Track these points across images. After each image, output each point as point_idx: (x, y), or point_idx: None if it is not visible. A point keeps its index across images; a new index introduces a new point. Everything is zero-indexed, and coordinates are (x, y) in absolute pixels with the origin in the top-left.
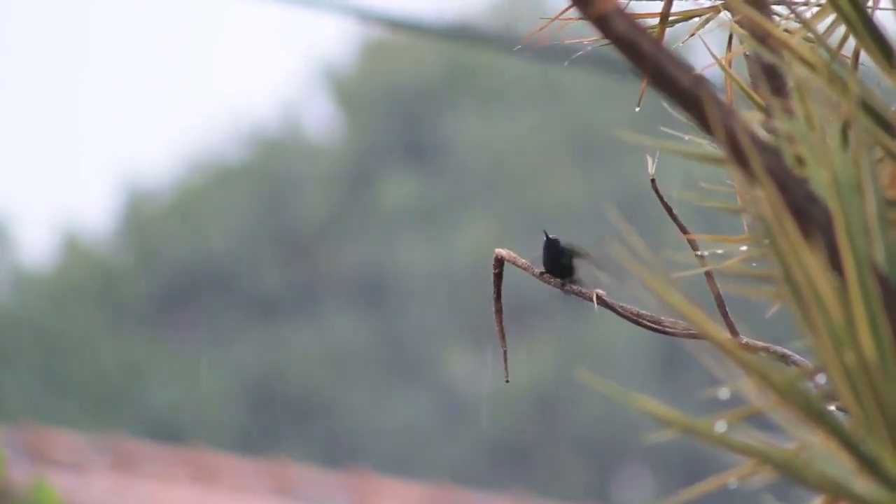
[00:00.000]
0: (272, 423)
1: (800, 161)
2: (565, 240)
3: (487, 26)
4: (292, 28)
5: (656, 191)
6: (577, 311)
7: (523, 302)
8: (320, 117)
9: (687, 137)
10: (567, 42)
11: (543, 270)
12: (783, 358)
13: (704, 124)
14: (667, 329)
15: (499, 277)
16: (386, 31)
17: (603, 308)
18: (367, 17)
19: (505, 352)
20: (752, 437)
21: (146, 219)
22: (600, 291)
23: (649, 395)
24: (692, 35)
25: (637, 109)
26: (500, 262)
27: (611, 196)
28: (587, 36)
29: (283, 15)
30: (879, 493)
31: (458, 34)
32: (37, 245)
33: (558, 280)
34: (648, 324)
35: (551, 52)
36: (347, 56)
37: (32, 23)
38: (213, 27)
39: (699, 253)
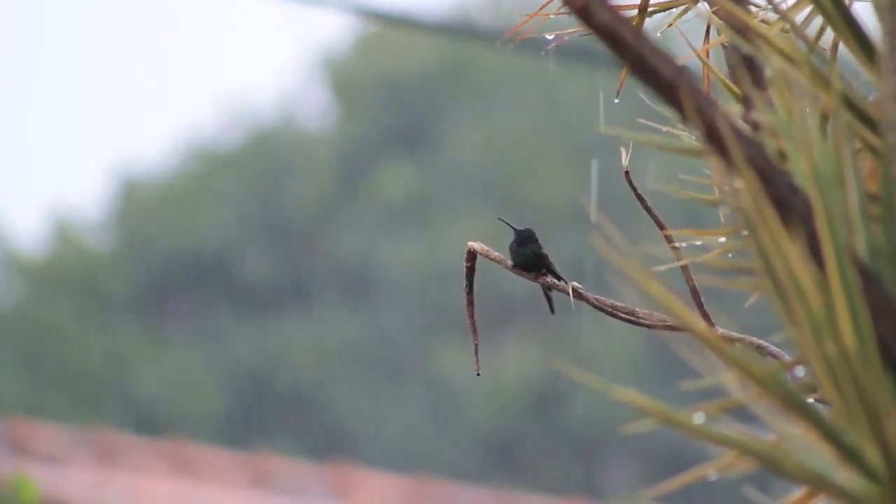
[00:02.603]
0: (259, 415)
1: (782, 155)
2: (532, 236)
3: (483, 21)
4: (290, 18)
5: (630, 183)
6: (567, 308)
7: (513, 298)
8: (316, 108)
9: (665, 129)
10: (551, 33)
11: (514, 264)
12: (759, 349)
13: (685, 115)
14: (642, 321)
15: (471, 271)
16: (383, 25)
17: (600, 311)
18: (365, 12)
19: (476, 345)
20: (733, 429)
21: (138, 208)
22: (576, 284)
23: (642, 391)
24: (670, 25)
25: (616, 101)
26: (472, 256)
27: (605, 192)
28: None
29: (281, 6)
30: (861, 484)
31: (453, 29)
32: (27, 234)
33: (532, 273)
34: (624, 316)
35: (547, 48)
36: (344, 47)
37: (29, 11)
38: (209, 17)
39: (676, 245)
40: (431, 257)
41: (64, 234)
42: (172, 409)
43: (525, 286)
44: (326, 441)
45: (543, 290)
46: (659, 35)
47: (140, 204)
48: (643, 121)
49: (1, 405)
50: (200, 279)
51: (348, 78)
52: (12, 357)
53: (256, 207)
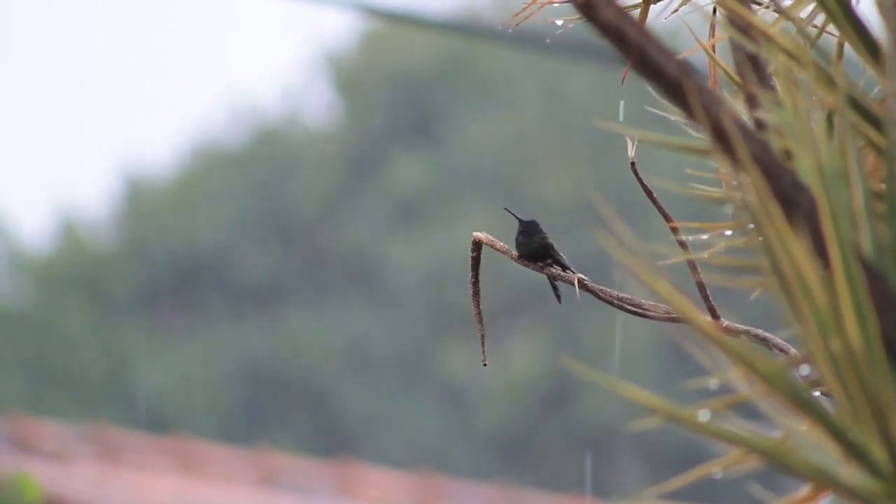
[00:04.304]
0: (263, 412)
1: (787, 153)
2: (540, 229)
3: (488, 17)
4: (294, 16)
5: (637, 175)
6: (573, 301)
7: (520, 294)
8: (321, 105)
9: (673, 118)
10: (557, 18)
11: (519, 254)
12: (764, 341)
13: (690, 113)
14: (648, 313)
15: (476, 261)
16: (387, 22)
17: (606, 303)
18: (369, 9)
19: (482, 335)
20: (739, 426)
21: (144, 206)
22: (581, 276)
23: (652, 388)
24: (675, 12)
25: (622, 88)
26: (477, 246)
27: (613, 186)
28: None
29: (285, 3)
30: (866, 480)
31: (458, 25)
32: (33, 233)
33: (538, 264)
34: (630, 307)
35: (551, 36)
36: (348, 44)
37: (35, 11)
38: (214, 14)
39: (681, 238)
40: (438, 253)
41: (69, 233)
42: (177, 407)
43: (531, 283)
44: (331, 438)
45: (550, 280)
46: (664, 20)
47: (145, 202)
48: (651, 112)
49: (5, 402)
50: (205, 277)
51: (353, 74)
52: (17, 354)
53: (262, 205)
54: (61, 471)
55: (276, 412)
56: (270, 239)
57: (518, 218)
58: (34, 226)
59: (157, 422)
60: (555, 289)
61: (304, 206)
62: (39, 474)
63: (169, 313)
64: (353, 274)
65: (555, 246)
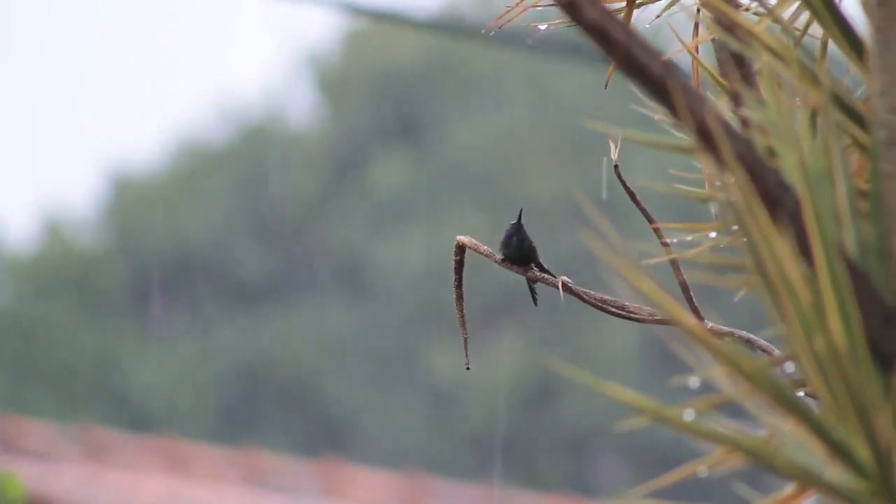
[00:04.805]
0: (250, 412)
1: (772, 152)
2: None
3: (472, 16)
4: (278, 15)
5: (619, 177)
6: (557, 303)
7: (507, 295)
8: (303, 105)
9: (657, 116)
10: (540, 24)
11: (503, 257)
12: (748, 343)
13: (675, 112)
14: (632, 315)
15: (460, 265)
16: (371, 21)
17: (586, 301)
18: (353, 8)
19: (465, 339)
20: (724, 425)
21: (129, 205)
22: (565, 279)
23: (639, 388)
24: (658, 17)
25: (605, 89)
26: (461, 250)
27: (597, 187)
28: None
29: (269, 3)
30: (850, 479)
31: (442, 25)
32: (18, 232)
33: (520, 268)
34: (613, 310)
35: (533, 37)
36: (331, 44)
37: (21, 15)
38: (197, 15)
39: (666, 240)
40: (423, 252)
41: (55, 232)
42: (164, 406)
43: (517, 284)
44: (318, 437)
45: (529, 282)
46: (647, 26)
47: (131, 201)
48: (636, 112)
49: None
50: (191, 276)
51: (337, 74)
52: (3, 354)
53: (247, 204)
54: (48, 471)
55: (262, 412)
56: (256, 239)
57: (519, 220)
58: (20, 225)
59: (144, 421)
60: (532, 291)
61: (289, 205)
62: (26, 474)
63: (155, 312)
64: (339, 274)
65: (536, 248)
